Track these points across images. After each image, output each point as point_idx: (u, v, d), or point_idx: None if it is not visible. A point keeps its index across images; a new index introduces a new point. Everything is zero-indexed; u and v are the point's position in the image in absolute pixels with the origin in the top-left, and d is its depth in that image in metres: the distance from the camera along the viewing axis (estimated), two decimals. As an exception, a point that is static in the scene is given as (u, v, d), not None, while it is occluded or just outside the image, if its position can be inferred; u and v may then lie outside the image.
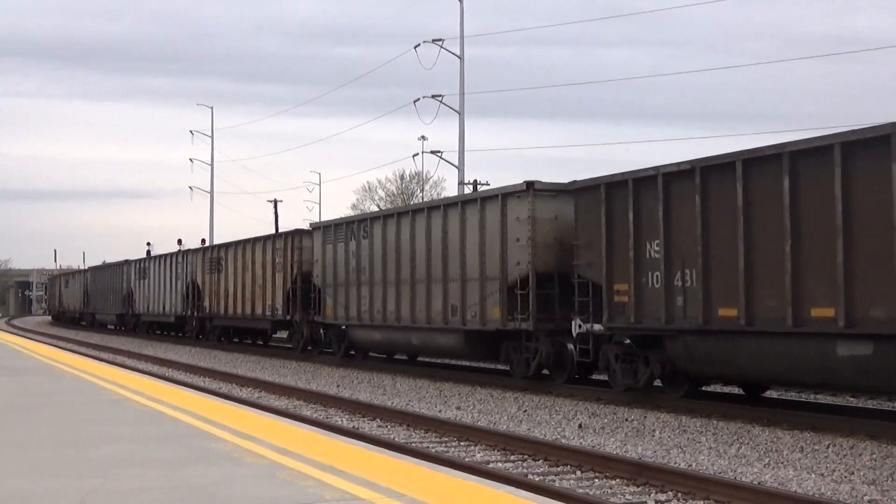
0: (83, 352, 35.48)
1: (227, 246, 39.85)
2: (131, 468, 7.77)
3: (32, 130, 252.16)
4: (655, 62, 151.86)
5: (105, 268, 63.34)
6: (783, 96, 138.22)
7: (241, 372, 27.84)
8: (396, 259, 25.53)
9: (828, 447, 13.11)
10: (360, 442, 9.65)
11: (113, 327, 62.49)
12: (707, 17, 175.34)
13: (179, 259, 45.88)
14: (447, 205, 23.89)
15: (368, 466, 7.73)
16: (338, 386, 23.35)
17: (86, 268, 70.18)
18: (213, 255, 40.96)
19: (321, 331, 31.20)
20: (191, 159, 79.63)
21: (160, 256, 49.50)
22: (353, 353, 29.59)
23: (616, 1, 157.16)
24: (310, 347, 32.32)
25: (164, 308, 47.79)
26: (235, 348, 39.53)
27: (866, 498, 10.30)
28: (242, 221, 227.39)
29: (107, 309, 61.06)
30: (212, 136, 77.20)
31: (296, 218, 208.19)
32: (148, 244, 66.00)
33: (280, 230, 52.38)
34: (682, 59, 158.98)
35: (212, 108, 79.65)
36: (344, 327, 28.91)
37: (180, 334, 48.17)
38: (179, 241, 58.66)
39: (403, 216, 25.65)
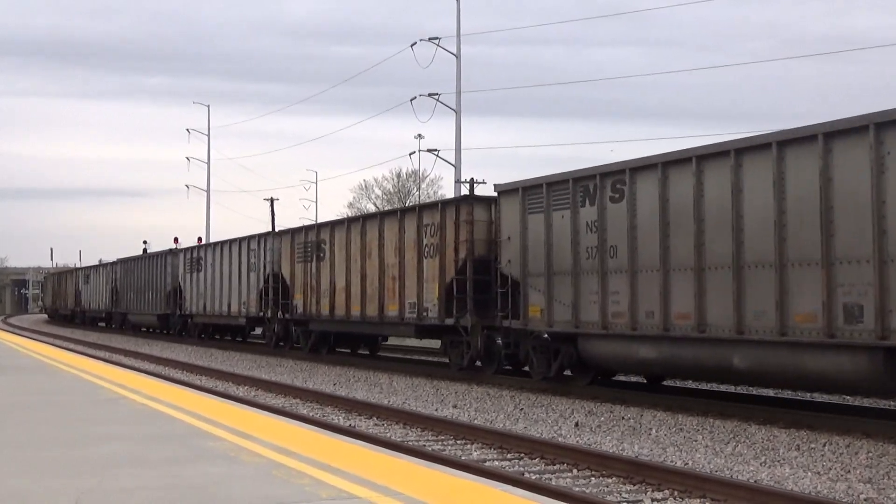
0: (80, 350, 35.44)
1: (332, 225, 30.56)
2: (129, 467, 7.77)
3: (29, 129, 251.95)
4: (650, 61, 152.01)
5: (141, 259, 52.98)
6: (778, 96, 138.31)
7: (238, 372, 27.83)
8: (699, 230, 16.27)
9: (824, 445, 13.13)
10: (356, 440, 9.66)
11: (150, 330, 52.33)
12: (702, 16, 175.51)
13: (254, 245, 36.69)
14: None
15: (365, 465, 7.74)
16: (334, 384, 23.35)
17: (114, 260, 59.87)
18: (310, 239, 31.36)
19: (517, 342, 21.22)
20: (187, 158, 79.57)
21: (221, 243, 40.58)
22: (581, 376, 20.04)
23: (610, 0, 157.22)
24: (508, 366, 22.74)
25: (227, 308, 39.23)
26: (359, 363, 28.85)
27: (862, 496, 10.32)
28: (239, 220, 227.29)
29: (144, 309, 50.93)
30: (208, 135, 77.15)
31: (293, 217, 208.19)
32: (145, 243, 66.03)
33: (277, 228, 52.34)
34: (676, 58, 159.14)
35: (208, 106, 79.27)
36: (571, 337, 19.30)
37: (246, 340, 42.46)
38: (176, 240, 58.68)
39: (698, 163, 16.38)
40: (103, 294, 61.51)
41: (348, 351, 32.27)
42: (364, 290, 27.33)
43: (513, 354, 21.58)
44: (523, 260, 20.31)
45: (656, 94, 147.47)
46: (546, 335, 20.05)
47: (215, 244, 41.77)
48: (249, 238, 37.42)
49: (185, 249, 45.91)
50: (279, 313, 33.43)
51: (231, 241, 39.33)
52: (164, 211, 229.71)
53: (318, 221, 35.54)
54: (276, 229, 44.43)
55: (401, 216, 26.03)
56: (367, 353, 32.38)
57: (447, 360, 24.63)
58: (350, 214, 72.51)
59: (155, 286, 48.90)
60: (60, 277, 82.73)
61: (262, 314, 35.33)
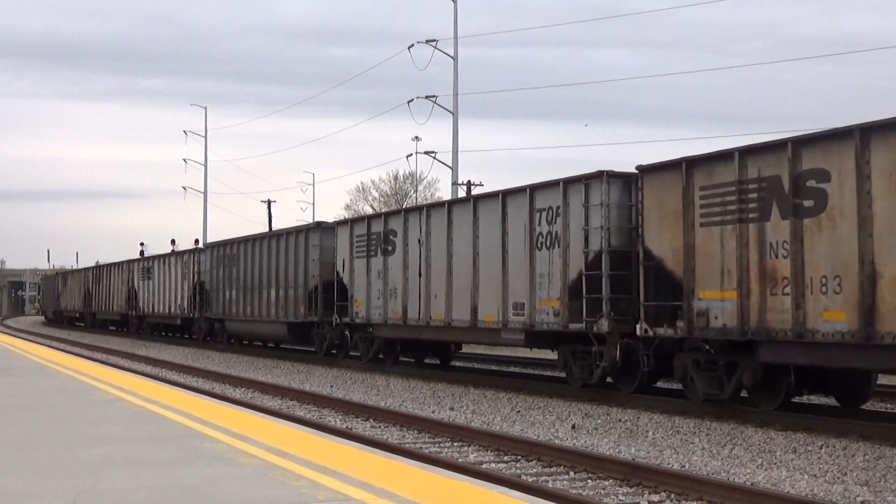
0: (76, 352, 35.40)
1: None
2: (124, 468, 7.76)
3: (25, 131, 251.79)
4: (647, 63, 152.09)
5: (248, 242, 36.57)
6: (775, 97, 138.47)
7: (235, 372, 27.80)
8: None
9: (821, 448, 13.13)
10: (353, 442, 9.65)
11: (270, 346, 38.25)
12: (699, 18, 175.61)
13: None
14: None
15: (362, 467, 7.73)
16: (331, 387, 23.33)
17: (201, 245, 47.96)
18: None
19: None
20: (184, 159, 79.38)
21: (413, 210, 26.19)
22: None
23: (608, 2, 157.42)
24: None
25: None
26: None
27: (859, 499, 10.32)
28: (236, 222, 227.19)
29: (262, 313, 34.40)
30: (205, 137, 77.07)
31: (290, 218, 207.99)
32: (142, 244, 65.93)
33: (273, 229, 52.31)
34: (673, 60, 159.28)
35: (205, 108, 79.09)
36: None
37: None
38: (173, 242, 58.56)
39: None
40: (178, 293, 45.14)
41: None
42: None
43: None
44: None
45: (653, 96, 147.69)
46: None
47: (408, 211, 26.13)
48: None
49: (348, 222, 29.67)
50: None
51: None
52: (160, 213, 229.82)
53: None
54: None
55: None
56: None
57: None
58: (347, 216, 72.34)
59: (289, 281, 32.45)
60: (67, 277, 75.82)
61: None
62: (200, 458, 8.17)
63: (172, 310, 45.86)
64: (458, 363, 29.37)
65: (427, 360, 28.10)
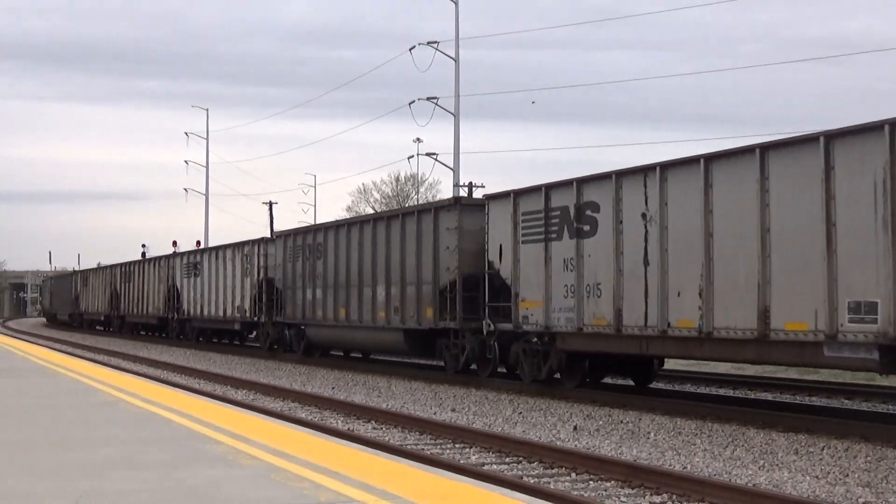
0: (78, 353, 35.41)
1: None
2: (126, 470, 7.76)
3: (27, 132, 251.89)
4: (647, 65, 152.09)
5: (339, 228, 29.70)
6: (775, 99, 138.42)
7: (237, 374, 27.81)
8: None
9: (822, 449, 13.13)
10: (355, 444, 9.65)
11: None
12: (699, 20, 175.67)
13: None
14: None
15: (363, 468, 7.73)
16: (333, 388, 23.34)
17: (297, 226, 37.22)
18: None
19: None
20: (186, 161, 79.37)
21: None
22: None
23: (608, 4, 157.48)
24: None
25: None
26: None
27: (861, 500, 10.32)
28: (237, 224, 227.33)
29: (379, 318, 26.43)
30: (207, 138, 77.09)
31: (292, 220, 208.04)
32: (143, 246, 65.83)
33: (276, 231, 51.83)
34: (673, 61, 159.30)
35: (207, 110, 79.07)
36: None
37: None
38: (174, 244, 58.54)
39: None
40: (236, 292, 37.38)
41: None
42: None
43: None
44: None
45: (654, 98, 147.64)
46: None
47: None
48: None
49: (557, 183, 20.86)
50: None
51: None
52: (162, 214, 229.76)
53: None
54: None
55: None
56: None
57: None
58: (347, 217, 72.63)
59: (402, 275, 25.44)
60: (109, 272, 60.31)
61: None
62: (202, 460, 8.18)
63: (228, 312, 38.20)
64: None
65: (608, 379, 21.97)
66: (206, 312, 40.87)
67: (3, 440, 9.66)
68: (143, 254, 60.17)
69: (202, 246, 53.59)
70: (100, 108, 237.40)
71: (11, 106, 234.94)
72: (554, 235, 19.70)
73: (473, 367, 23.21)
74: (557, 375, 20.39)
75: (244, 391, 23.06)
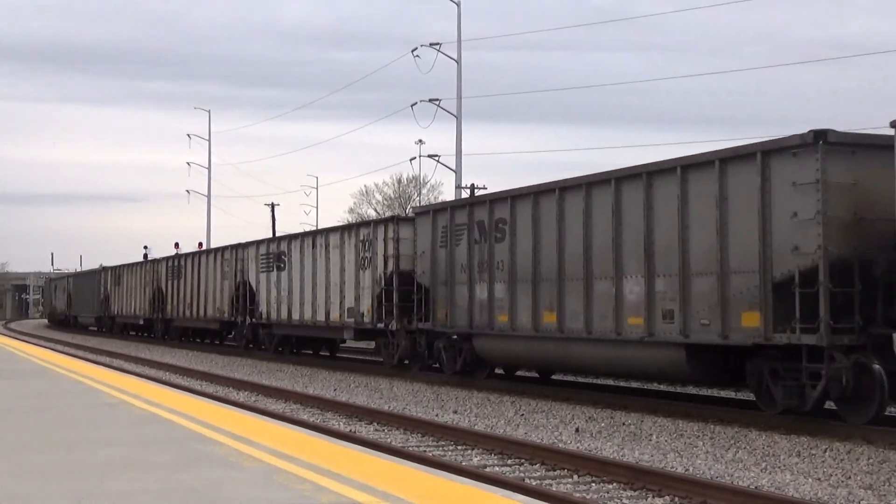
0: (80, 355, 35.41)
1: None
2: (127, 471, 7.76)
3: (28, 134, 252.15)
4: (650, 66, 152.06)
5: (538, 195, 20.50)
6: (777, 101, 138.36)
7: (239, 376, 27.80)
8: None
9: (825, 452, 13.11)
10: (357, 446, 9.65)
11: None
12: (701, 21, 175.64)
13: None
14: None
15: (365, 470, 7.72)
16: (335, 390, 23.33)
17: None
18: None
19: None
20: (188, 163, 79.54)
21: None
22: None
23: (610, 6, 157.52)
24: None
25: None
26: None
27: (863, 502, 10.31)
28: (239, 225, 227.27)
29: (621, 326, 17.90)
30: (209, 140, 77.17)
31: (293, 222, 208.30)
32: (145, 248, 65.73)
33: (277, 234, 50.40)
34: (676, 63, 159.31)
35: (209, 111, 79.14)
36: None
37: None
38: (176, 245, 58.48)
39: None
40: (351, 290, 28.28)
41: None
42: None
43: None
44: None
45: (656, 99, 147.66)
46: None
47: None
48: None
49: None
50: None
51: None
52: (164, 216, 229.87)
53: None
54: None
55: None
56: None
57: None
58: (351, 220, 72.50)
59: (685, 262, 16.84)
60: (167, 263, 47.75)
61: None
62: (204, 462, 8.17)
63: (332, 316, 28.92)
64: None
65: None
66: (294, 316, 31.50)
67: (5, 442, 9.66)
68: (145, 255, 59.81)
69: (204, 248, 52.79)
70: (101, 109, 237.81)
71: (13, 107, 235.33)
72: None
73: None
74: None
75: (246, 392, 23.05)
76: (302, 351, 34.58)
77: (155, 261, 50.23)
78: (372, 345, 31.34)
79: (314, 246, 30.67)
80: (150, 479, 7.41)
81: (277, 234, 35.76)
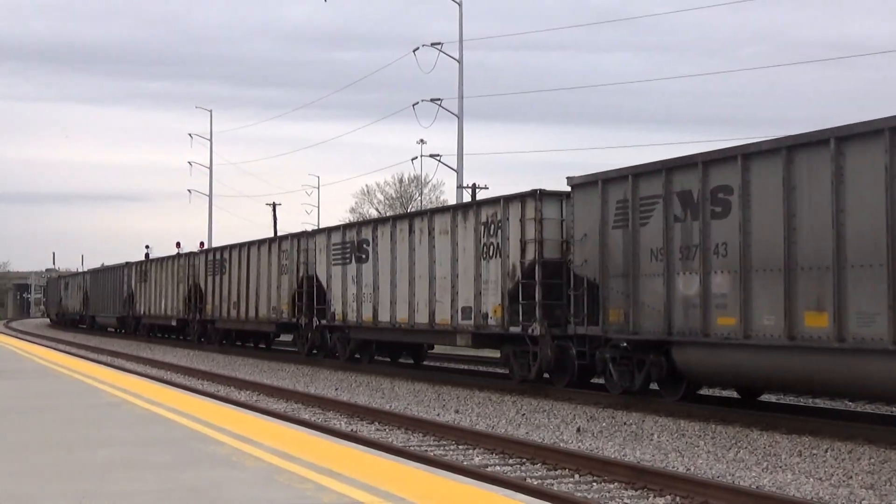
0: (81, 354, 35.41)
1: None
2: (128, 471, 7.76)
3: (30, 134, 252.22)
4: (649, 67, 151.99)
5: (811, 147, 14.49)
6: (776, 101, 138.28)
7: (240, 375, 27.79)
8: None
9: (826, 451, 13.11)
10: (358, 445, 9.64)
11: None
12: (700, 22, 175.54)
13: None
14: None
15: (367, 470, 7.72)
16: (336, 389, 23.33)
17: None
18: None
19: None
20: (189, 163, 79.49)
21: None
22: None
23: (610, 6, 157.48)
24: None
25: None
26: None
27: (864, 502, 10.30)
28: (241, 225, 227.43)
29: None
30: (210, 140, 77.18)
31: (294, 221, 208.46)
32: (147, 247, 65.69)
33: (278, 234, 49.74)
34: (675, 63, 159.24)
35: (210, 111, 79.33)
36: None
37: None
38: (178, 245, 58.42)
39: None
40: (468, 285, 22.60)
41: None
42: None
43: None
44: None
45: (656, 100, 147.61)
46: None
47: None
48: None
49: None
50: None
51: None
52: (166, 215, 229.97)
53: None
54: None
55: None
56: None
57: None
58: (352, 220, 72.34)
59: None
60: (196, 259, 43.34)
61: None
62: (205, 461, 8.17)
63: (442, 317, 23.50)
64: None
65: None
66: (381, 318, 26.16)
67: (5, 441, 9.66)
68: (147, 255, 59.68)
69: (205, 247, 52.23)
70: (102, 109, 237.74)
71: (14, 106, 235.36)
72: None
73: None
74: None
75: (247, 392, 23.05)
76: (376, 357, 29.07)
77: (191, 254, 44.59)
78: (492, 353, 26.24)
79: (411, 231, 25.05)
80: (151, 479, 7.41)
81: (285, 233, 31.48)
